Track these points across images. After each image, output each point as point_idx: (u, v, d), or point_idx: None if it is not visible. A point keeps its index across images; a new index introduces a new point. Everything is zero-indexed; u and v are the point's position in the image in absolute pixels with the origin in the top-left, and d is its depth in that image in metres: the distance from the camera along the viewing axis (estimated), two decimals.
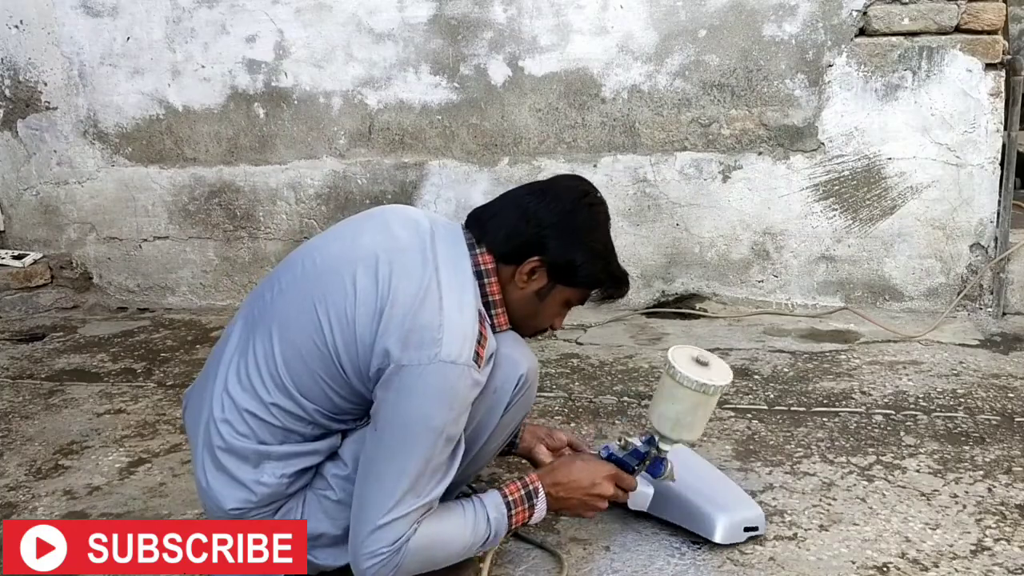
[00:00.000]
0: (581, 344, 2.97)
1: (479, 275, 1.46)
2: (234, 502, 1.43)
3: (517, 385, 1.50)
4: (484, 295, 1.46)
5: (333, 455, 1.48)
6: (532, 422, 1.84)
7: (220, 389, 1.45)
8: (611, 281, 1.54)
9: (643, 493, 1.64)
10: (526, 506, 1.47)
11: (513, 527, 1.47)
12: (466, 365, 1.33)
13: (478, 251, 1.47)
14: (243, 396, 1.42)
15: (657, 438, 1.55)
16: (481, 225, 1.49)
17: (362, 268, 1.40)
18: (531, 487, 1.49)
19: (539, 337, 1.70)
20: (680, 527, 1.71)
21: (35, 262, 3.79)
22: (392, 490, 1.31)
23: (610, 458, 1.56)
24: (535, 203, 1.47)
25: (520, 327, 1.54)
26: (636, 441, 1.57)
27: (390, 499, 1.31)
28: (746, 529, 1.68)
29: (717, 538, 1.65)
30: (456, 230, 1.49)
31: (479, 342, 1.36)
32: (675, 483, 1.64)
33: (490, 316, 1.46)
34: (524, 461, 1.83)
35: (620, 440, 1.58)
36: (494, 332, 1.45)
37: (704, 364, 1.51)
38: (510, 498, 1.46)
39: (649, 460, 1.56)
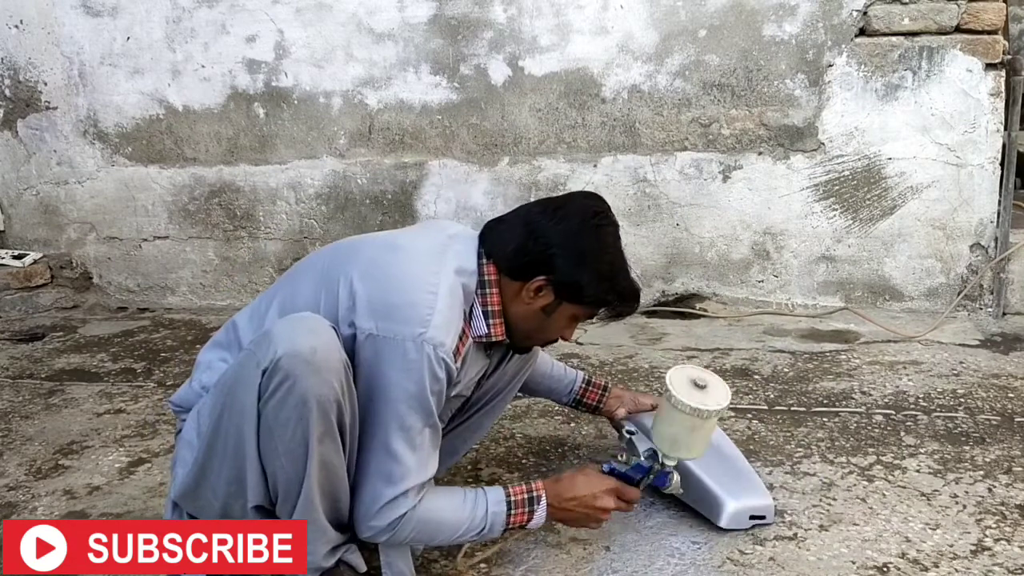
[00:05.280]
0: (581, 344, 2.97)
1: (482, 284, 1.50)
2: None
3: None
4: (484, 304, 1.51)
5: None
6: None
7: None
8: (618, 301, 1.56)
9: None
10: (526, 510, 1.50)
11: (509, 526, 1.49)
12: (446, 356, 1.38)
13: (485, 261, 1.51)
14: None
15: (660, 454, 1.59)
16: (492, 239, 1.53)
17: (377, 248, 1.51)
18: (535, 494, 1.51)
19: (547, 347, 1.74)
20: (682, 521, 1.72)
21: (35, 262, 3.78)
22: (398, 463, 1.38)
23: (612, 472, 1.60)
24: (545, 222, 1.50)
25: (527, 339, 1.60)
26: (640, 455, 1.60)
27: (398, 470, 1.38)
28: (752, 517, 1.70)
29: (722, 523, 1.68)
30: (475, 239, 1.55)
31: (460, 339, 1.43)
32: (695, 464, 1.67)
33: (488, 325, 1.51)
34: (523, 463, 1.82)
35: (621, 456, 1.62)
36: (490, 339, 1.52)
37: (702, 387, 1.54)
38: (513, 498, 1.49)
39: (654, 474, 1.59)
